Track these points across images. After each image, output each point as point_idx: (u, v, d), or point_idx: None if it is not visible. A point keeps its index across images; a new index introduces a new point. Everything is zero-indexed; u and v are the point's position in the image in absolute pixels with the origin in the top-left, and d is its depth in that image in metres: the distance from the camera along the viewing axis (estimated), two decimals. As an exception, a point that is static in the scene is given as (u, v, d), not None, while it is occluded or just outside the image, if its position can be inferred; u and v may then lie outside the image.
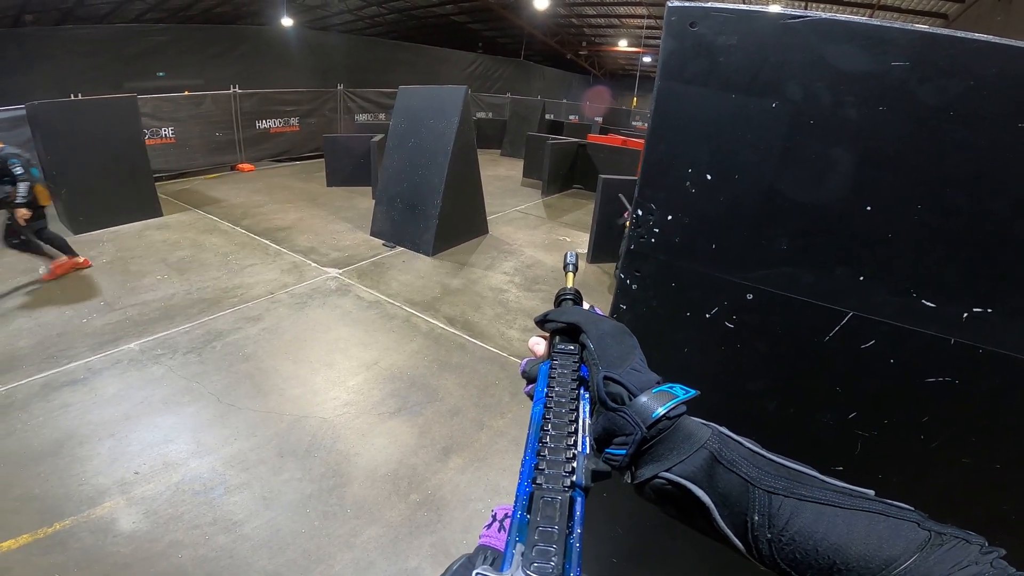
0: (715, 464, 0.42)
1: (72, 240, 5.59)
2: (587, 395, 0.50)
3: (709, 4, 0.91)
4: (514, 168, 10.91)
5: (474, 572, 0.31)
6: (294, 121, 11.01)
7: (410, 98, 5.97)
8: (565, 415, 0.44)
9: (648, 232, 1.08)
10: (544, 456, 0.40)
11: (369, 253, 5.84)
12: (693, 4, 0.92)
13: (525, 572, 0.31)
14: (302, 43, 13.46)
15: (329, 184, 8.85)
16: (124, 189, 6.38)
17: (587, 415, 0.48)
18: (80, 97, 7.10)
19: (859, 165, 0.87)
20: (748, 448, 0.43)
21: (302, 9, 13.26)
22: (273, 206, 7.52)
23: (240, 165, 10.03)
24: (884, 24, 0.81)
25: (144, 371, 3.49)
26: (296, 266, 5.37)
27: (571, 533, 0.35)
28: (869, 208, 0.88)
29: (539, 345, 0.60)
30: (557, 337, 0.56)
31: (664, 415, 0.43)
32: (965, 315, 0.87)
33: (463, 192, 6.00)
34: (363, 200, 7.74)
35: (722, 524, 0.41)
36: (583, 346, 0.52)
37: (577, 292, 0.66)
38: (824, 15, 0.85)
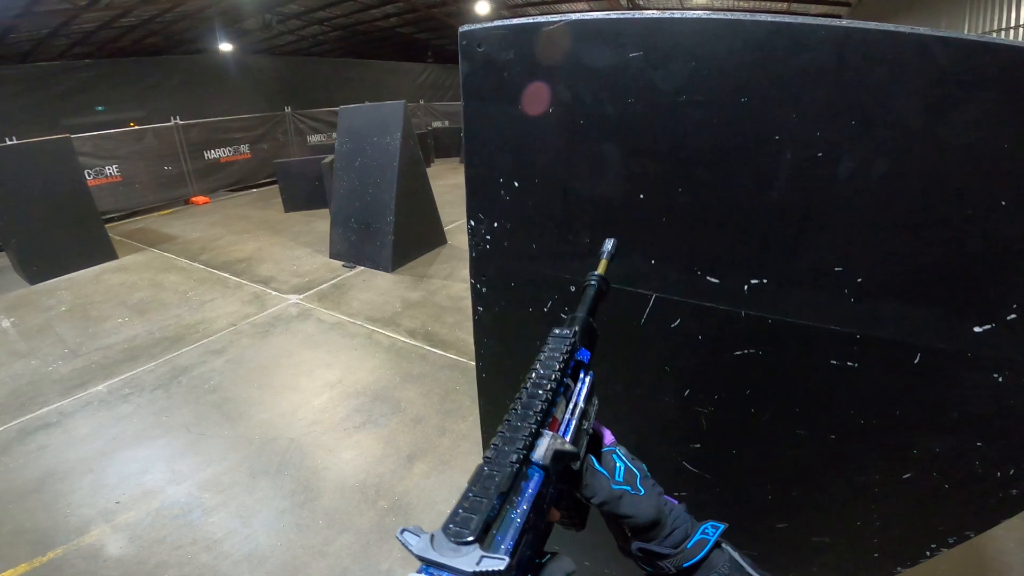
0: None
1: (29, 291, 5.61)
2: (586, 379, 0.56)
3: (492, 24, 0.95)
4: (468, 176, 11.11)
5: (400, 529, 0.34)
6: (244, 148, 10.97)
7: (351, 118, 6.11)
8: (540, 395, 0.46)
9: (482, 240, 1.17)
10: (502, 433, 0.42)
11: (329, 276, 5.98)
12: (479, 27, 0.97)
13: (444, 532, 0.33)
14: (244, 68, 13.35)
15: (287, 210, 8.89)
16: (74, 234, 6.34)
17: (581, 398, 0.54)
18: (16, 140, 6.94)
19: (625, 157, 0.93)
20: (748, 569, 0.56)
21: (240, 33, 13.17)
22: (231, 238, 7.58)
23: (194, 198, 9.98)
24: (620, 16, 0.85)
25: (114, 410, 3.65)
26: (257, 296, 5.49)
27: (514, 507, 0.37)
28: (642, 196, 0.94)
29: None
30: (556, 330, 0.57)
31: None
32: (746, 288, 0.92)
33: (416, 205, 6.17)
34: (322, 223, 7.84)
35: None
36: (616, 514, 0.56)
37: (602, 279, 0.68)
38: (576, 16, 0.88)
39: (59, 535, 2.62)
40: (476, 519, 0.33)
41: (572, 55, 0.90)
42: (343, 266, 6.22)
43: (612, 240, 0.73)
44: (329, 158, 7.67)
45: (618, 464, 0.59)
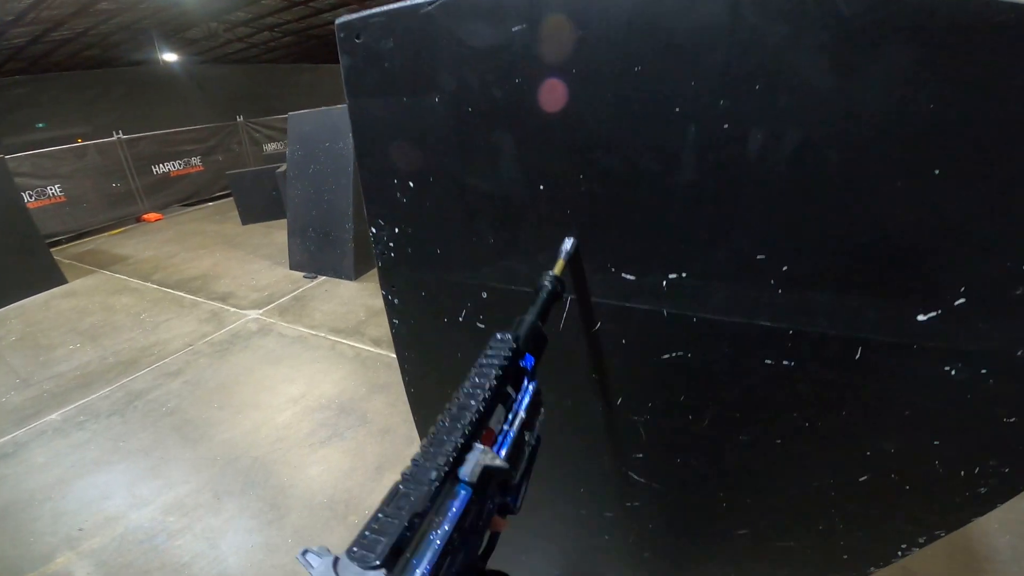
0: None
1: (-32, 324, 5.35)
2: (529, 387, 0.52)
3: (369, 12, 0.88)
4: (430, 177, 11.00)
5: (302, 551, 0.32)
6: (196, 160, 10.63)
7: (301, 124, 5.95)
8: (471, 406, 0.43)
9: (386, 247, 1.09)
10: (425, 448, 0.39)
11: (290, 288, 5.83)
12: (356, 15, 0.90)
13: (348, 555, 0.30)
14: (190, 78, 12.94)
15: (244, 222, 8.62)
16: (17, 260, 6.04)
17: (522, 408, 0.49)
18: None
19: (519, 145, 0.85)
20: None
21: (184, 43, 12.74)
22: (186, 255, 7.33)
23: (145, 216, 9.64)
24: None
25: (69, 438, 3.54)
26: (214, 314, 5.32)
27: (435, 528, 0.34)
28: (541, 187, 0.86)
29: None
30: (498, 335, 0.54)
31: None
32: (664, 283, 0.84)
33: (375, 211, 6.06)
34: (281, 234, 7.59)
35: None
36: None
37: (556, 280, 0.64)
38: None
39: (26, 563, 2.56)
40: (384, 542, 0.30)
41: (453, 36, 0.81)
42: (304, 277, 6.08)
43: (571, 239, 0.69)
44: (283, 167, 7.48)
45: None
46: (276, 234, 7.72)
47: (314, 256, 6.11)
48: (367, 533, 0.31)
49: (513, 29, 0.77)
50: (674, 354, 0.90)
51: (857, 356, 0.78)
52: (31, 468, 3.26)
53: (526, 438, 0.50)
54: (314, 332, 4.76)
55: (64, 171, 8.58)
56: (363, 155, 1.02)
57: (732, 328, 0.83)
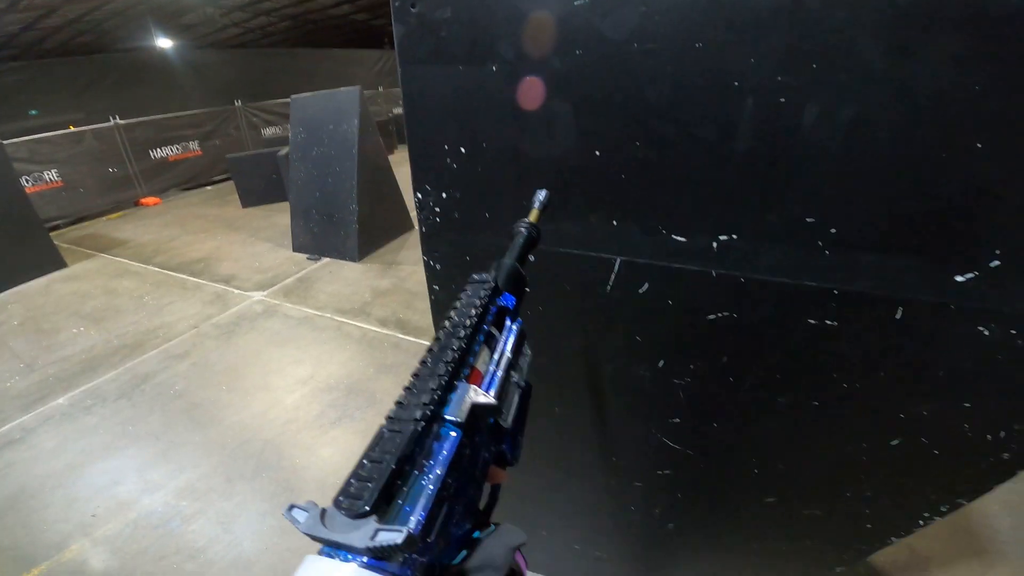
0: None
1: (-30, 308, 5.32)
2: (513, 327, 0.50)
3: None
4: (431, 161, 10.94)
5: (287, 506, 0.30)
6: (194, 145, 10.53)
7: (304, 107, 5.90)
8: (453, 345, 0.42)
9: (431, 213, 1.12)
10: (408, 389, 0.37)
11: (294, 270, 5.81)
12: None
13: (335, 505, 0.29)
14: (187, 63, 12.76)
15: (244, 205, 8.59)
16: (17, 245, 6.00)
17: (508, 348, 0.48)
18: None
19: (577, 113, 0.88)
20: None
21: (180, 29, 12.59)
22: (187, 238, 7.28)
23: (143, 200, 9.57)
24: None
25: (78, 422, 3.50)
26: (219, 296, 5.30)
27: (425, 472, 0.32)
28: (597, 153, 0.89)
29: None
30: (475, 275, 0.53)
31: None
32: (715, 245, 0.87)
33: (379, 191, 6.04)
34: (282, 217, 7.59)
35: None
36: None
37: (533, 226, 0.65)
38: None
39: (40, 551, 2.55)
40: (371, 487, 0.29)
41: (512, 6, 0.84)
42: (308, 259, 6.06)
43: (545, 191, 0.71)
44: (284, 150, 7.44)
45: None
46: (277, 217, 7.69)
47: (317, 238, 6.09)
48: (352, 481, 0.30)
49: (576, 3, 0.79)
50: (720, 314, 0.93)
51: (898, 316, 0.82)
52: (40, 454, 3.23)
53: (514, 378, 0.48)
54: (320, 313, 4.76)
55: (61, 156, 8.48)
56: (413, 123, 1.04)
57: (779, 288, 0.86)
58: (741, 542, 1.30)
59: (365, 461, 0.31)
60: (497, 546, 0.36)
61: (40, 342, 4.67)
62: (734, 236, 0.86)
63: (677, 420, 1.11)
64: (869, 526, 1.08)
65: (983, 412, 0.84)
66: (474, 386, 0.39)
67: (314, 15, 14.55)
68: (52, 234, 6.76)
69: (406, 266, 5.67)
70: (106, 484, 2.93)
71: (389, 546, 0.26)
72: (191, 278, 5.81)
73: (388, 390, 3.59)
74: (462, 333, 0.43)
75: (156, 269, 6.18)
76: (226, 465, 3.01)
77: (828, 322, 0.86)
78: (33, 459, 3.19)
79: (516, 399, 0.48)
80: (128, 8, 10.25)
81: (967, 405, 0.84)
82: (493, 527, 0.38)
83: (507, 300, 0.52)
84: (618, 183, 0.90)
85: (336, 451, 3.08)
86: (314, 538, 0.28)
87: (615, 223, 0.94)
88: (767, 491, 1.14)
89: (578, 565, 1.65)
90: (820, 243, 0.81)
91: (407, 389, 0.37)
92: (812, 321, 0.87)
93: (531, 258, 0.68)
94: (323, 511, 0.29)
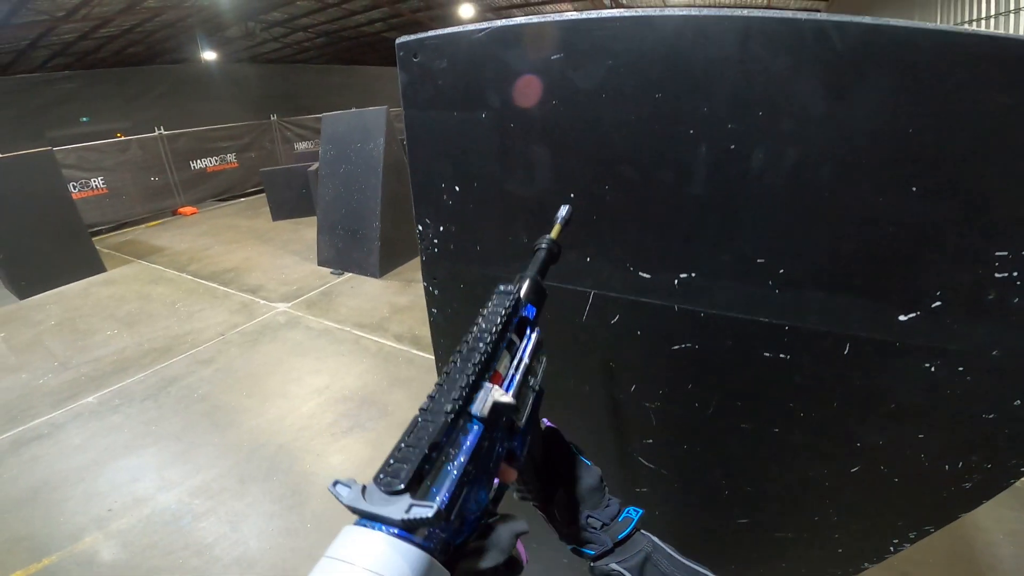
0: (646, 562, 0.62)
1: (18, 306, 5.62)
2: (532, 335, 0.56)
3: (426, 34, 0.98)
4: (456, 179, 11.14)
5: (332, 481, 0.34)
6: (231, 157, 10.92)
7: (334, 125, 6.14)
8: (480, 348, 0.45)
9: (430, 243, 1.20)
10: (440, 385, 0.41)
11: (317, 283, 6.00)
12: (414, 37, 1.00)
13: (375, 483, 0.32)
14: (228, 77, 13.35)
15: (275, 218, 8.87)
16: (61, 248, 6.33)
17: (526, 354, 0.53)
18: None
19: (553, 157, 0.95)
20: (668, 552, 0.63)
21: (223, 42, 13.17)
22: (219, 248, 7.59)
23: (181, 209, 9.96)
24: (540, 20, 0.86)
25: (104, 421, 3.69)
26: (245, 305, 5.51)
27: (451, 460, 0.37)
28: (572, 195, 0.96)
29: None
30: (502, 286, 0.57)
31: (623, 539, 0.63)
32: (676, 282, 0.93)
33: (402, 210, 6.18)
34: (310, 231, 7.83)
35: None
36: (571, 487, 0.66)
37: (553, 242, 0.69)
38: (501, 23, 0.90)
39: (53, 542, 2.67)
40: (407, 468, 0.32)
41: (500, 60, 0.92)
42: (331, 273, 6.25)
43: (567, 207, 0.74)
44: (315, 166, 7.70)
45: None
46: (305, 231, 7.94)
47: (341, 253, 6.28)
48: (391, 461, 0.33)
49: (552, 57, 0.87)
50: (683, 345, 0.99)
51: (846, 351, 0.86)
52: (66, 449, 3.41)
53: (530, 383, 0.53)
54: (340, 326, 4.90)
55: (108, 164, 8.91)
56: (415, 160, 1.12)
57: (735, 323, 0.92)
58: (720, 563, 1.33)
59: (402, 445, 0.35)
60: (504, 531, 0.42)
61: (75, 342, 4.92)
62: (693, 274, 0.92)
63: (650, 440, 1.16)
64: (840, 551, 1.11)
65: (938, 443, 0.87)
66: (496, 387, 0.43)
67: (348, 32, 15.06)
68: (94, 239, 7.12)
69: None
70: (125, 480, 3.09)
71: (420, 519, 0.30)
72: (221, 287, 6.05)
73: (400, 403, 3.69)
74: (488, 339, 0.46)
75: (189, 277, 6.45)
76: (240, 467, 3.13)
77: (781, 355, 0.91)
78: (58, 454, 3.38)
79: (531, 401, 0.54)
80: (178, 20, 10.79)
81: (920, 436, 0.88)
82: (500, 516, 0.43)
83: (528, 311, 0.57)
84: (590, 223, 0.96)
85: (346, 459, 3.18)
86: (354, 510, 0.32)
87: (588, 259, 1.01)
88: (739, 512, 1.17)
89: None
90: (770, 282, 0.86)
91: (438, 384, 0.41)
92: (767, 354, 0.91)
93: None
94: (364, 487, 0.33)
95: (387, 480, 0.32)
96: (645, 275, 0.96)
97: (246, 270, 6.57)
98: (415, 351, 4.39)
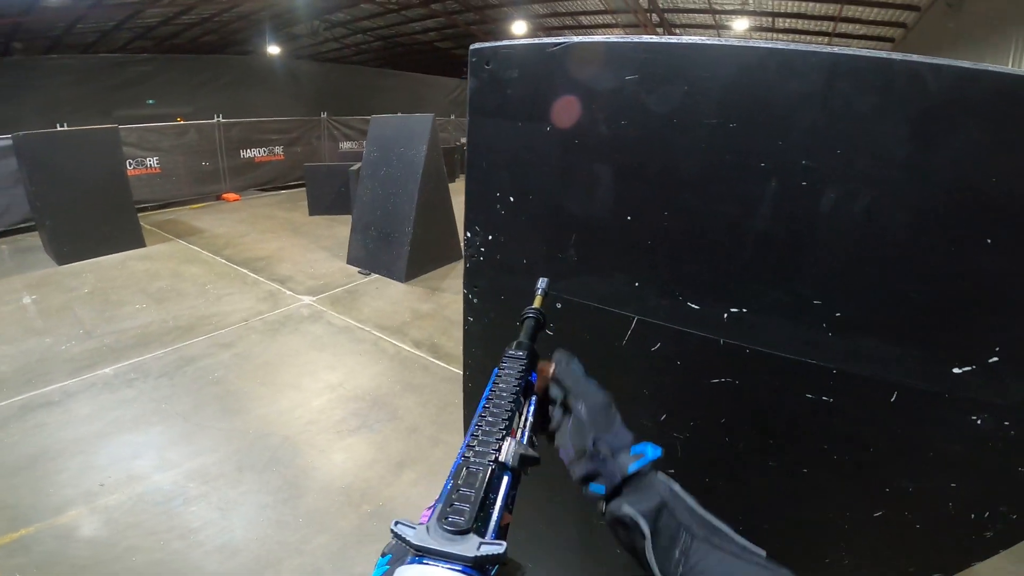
0: (663, 508, 0.56)
1: (55, 271, 5.79)
2: (532, 399, 0.60)
3: (500, 43, 1.00)
4: (493, 193, 11.18)
5: (393, 521, 0.36)
6: (279, 150, 11.22)
7: (381, 127, 6.23)
8: (503, 407, 0.51)
9: (476, 251, 1.19)
10: (477, 436, 0.46)
11: (344, 281, 6.04)
12: (488, 45, 1.02)
13: (439, 524, 0.35)
14: (287, 72, 13.76)
15: (311, 213, 9.05)
16: (106, 220, 6.53)
17: (530, 414, 0.58)
18: (67, 127, 7.29)
19: (616, 178, 0.94)
20: (687, 503, 0.57)
21: (288, 38, 13.64)
22: (255, 236, 7.73)
23: (225, 195, 10.23)
24: (620, 40, 0.87)
25: (117, 393, 3.70)
26: (272, 294, 5.57)
27: (492, 503, 0.40)
28: (629, 217, 0.95)
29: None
30: (512, 345, 0.64)
31: (635, 472, 0.58)
32: (725, 315, 0.91)
33: (435, 218, 6.22)
34: (343, 228, 7.93)
35: (651, 555, 0.54)
36: (567, 406, 0.63)
37: (540, 312, 0.73)
38: (577, 39, 0.90)
39: (36, 513, 2.62)
40: (469, 510, 0.36)
41: (571, 76, 0.92)
42: (358, 272, 6.29)
43: (545, 279, 0.79)
44: (357, 165, 7.82)
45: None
46: (338, 228, 8.03)
47: (371, 254, 6.32)
48: (453, 503, 0.37)
49: (627, 77, 0.87)
50: (724, 379, 0.97)
51: (892, 399, 0.83)
52: (72, 419, 3.40)
53: (534, 440, 0.57)
54: (360, 326, 4.90)
55: (164, 146, 9.27)
56: (473, 167, 1.13)
57: (781, 362, 0.90)
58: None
59: (460, 488, 0.39)
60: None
61: (104, 312, 5.02)
62: (744, 309, 0.89)
63: (672, 470, 1.11)
64: (847, 594, 1.05)
65: (969, 493, 0.84)
66: (521, 441, 0.48)
67: (403, 39, 15.46)
68: (140, 215, 7.32)
69: (448, 294, 5.77)
70: (125, 456, 3.05)
71: (491, 555, 0.33)
72: (251, 274, 6.14)
73: (411, 408, 3.63)
74: (510, 397, 0.53)
75: (223, 261, 6.58)
76: (241, 454, 3.10)
77: (824, 398, 0.88)
78: (64, 423, 3.36)
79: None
80: (252, 13, 11.26)
81: (953, 485, 0.84)
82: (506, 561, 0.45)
83: (532, 376, 0.63)
84: (644, 248, 0.96)
85: (348, 458, 3.13)
86: (425, 550, 0.34)
87: (636, 284, 1.00)
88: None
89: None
90: (824, 325, 0.82)
91: (473, 436, 0.47)
92: (809, 395, 0.89)
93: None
94: (427, 527, 0.35)
95: (453, 520, 0.35)
96: (694, 305, 0.95)
97: (278, 260, 6.66)
98: (432, 359, 4.34)
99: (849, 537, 0.99)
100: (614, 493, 0.59)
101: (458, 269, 6.54)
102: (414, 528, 0.35)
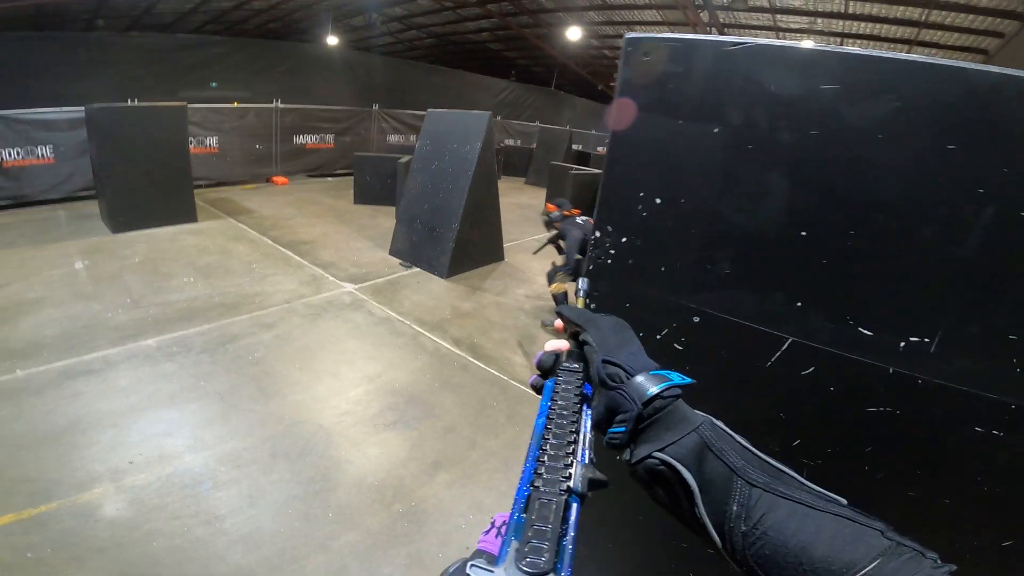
0: (705, 450, 0.44)
1: (110, 239, 5.93)
2: (589, 410, 0.52)
3: (662, 36, 0.95)
4: (537, 197, 11.07)
5: (468, 565, 0.32)
6: (330, 138, 11.48)
7: (437, 121, 6.20)
8: (566, 427, 0.46)
9: (605, 253, 1.11)
10: (544, 462, 0.42)
11: (386, 271, 6.03)
12: (647, 36, 0.97)
13: (518, 566, 0.32)
14: (343, 62, 13.97)
15: (356, 202, 9.18)
16: (164, 194, 6.72)
17: (588, 429, 0.50)
18: (137, 103, 7.56)
19: (793, 190, 0.88)
20: (737, 441, 0.45)
21: (347, 29, 13.83)
22: (301, 220, 7.83)
23: (275, 178, 10.48)
24: (816, 48, 0.83)
25: (157, 367, 3.70)
26: (315, 279, 5.59)
27: (565, 535, 0.37)
28: (804, 233, 0.89)
29: (551, 344, 0.60)
30: (564, 355, 0.58)
31: (658, 394, 0.45)
32: (903, 344, 0.85)
33: (481, 217, 6.15)
34: (387, 219, 7.97)
35: (703, 511, 0.43)
36: (583, 343, 0.54)
37: None
38: (760, 41, 0.86)
39: (60, 489, 2.53)
40: (547, 548, 0.34)
41: (752, 78, 0.88)
42: (400, 264, 6.26)
43: (586, 280, 0.76)
44: (406, 158, 7.84)
45: None
46: (382, 218, 8.07)
47: (415, 247, 6.29)
48: (532, 541, 0.34)
49: (822, 87, 0.82)
50: (883, 409, 0.91)
51: None
52: (110, 390, 3.34)
53: (593, 459, 0.50)
54: (401, 318, 4.85)
55: (225, 127, 9.60)
56: (614, 163, 1.08)
57: (956, 394, 0.84)
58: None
59: (534, 524, 0.36)
60: None
61: (152, 283, 5.10)
62: (927, 339, 0.83)
63: None
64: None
65: None
66: (588, 463, 0.43)
67: (456, 37, 15.51)
68: (195, 192, 7.49)
69: (489, 294, 5.68)
70: (157, 433, 2.99)
71: None
72: (296, 256, 6.19)
73: (448, 408, 3.54)
74: (573, 417, 0.48)
75: (269, 241, 6.66)
76: (275, 440, 3.06)
77: (995, 432, 0.83)
78: (101, 393, 3.31)
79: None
80: (316, 2, 11.47)
81: None
82: None
83: (587, 388, 0.56)
84: (817, 267, 0.90)
85: (382, 453, 3.05)
86: None
87: (798, 304, 0.94)
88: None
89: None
90: (1015, 360, 0.76)
91: (539, 460, 0.42)
92: (979, 429, 0.84)
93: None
94: (505, 569, 0.33)
95: (532, 562, 0.33)
96: (866, 331, 0.88)
97: (322, 245, 6.70)
98: (471, 358, 4.25)
99: (970, 567, 0.92)
100: (636, 432, 0.46)
101: (500, 269, 6.46)
102: (492, 572, 0.32)
